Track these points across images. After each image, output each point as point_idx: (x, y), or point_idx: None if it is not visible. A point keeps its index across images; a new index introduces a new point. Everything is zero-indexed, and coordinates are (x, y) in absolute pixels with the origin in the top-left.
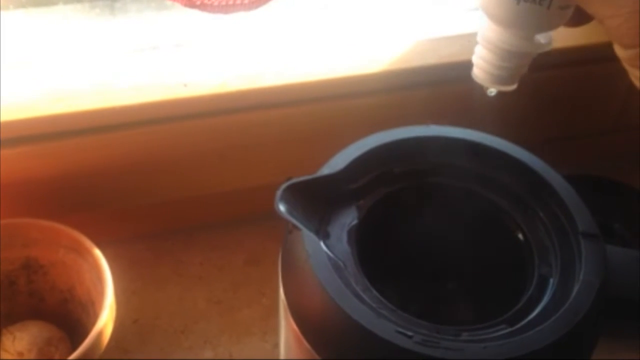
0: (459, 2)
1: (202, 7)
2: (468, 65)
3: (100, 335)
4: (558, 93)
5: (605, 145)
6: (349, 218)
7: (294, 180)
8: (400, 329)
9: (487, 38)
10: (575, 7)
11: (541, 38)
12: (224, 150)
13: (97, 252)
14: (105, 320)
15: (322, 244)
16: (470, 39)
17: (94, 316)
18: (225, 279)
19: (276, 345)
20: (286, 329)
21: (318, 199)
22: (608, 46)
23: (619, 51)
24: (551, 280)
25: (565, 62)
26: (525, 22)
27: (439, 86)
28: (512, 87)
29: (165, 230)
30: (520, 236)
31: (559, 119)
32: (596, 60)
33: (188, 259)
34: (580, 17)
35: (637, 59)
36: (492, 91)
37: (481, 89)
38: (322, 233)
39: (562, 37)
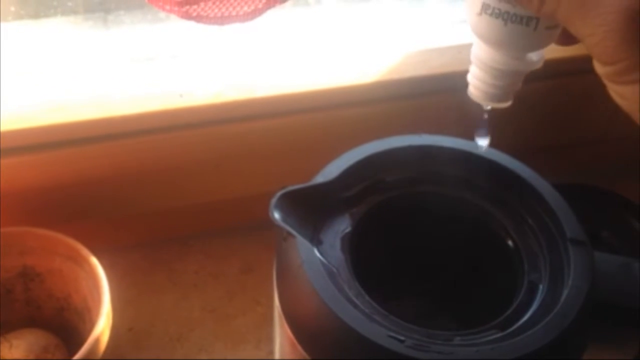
0: (448, 14)
1: (198, 18)
2: (458, 76)
3: (97, 342)
4: (547, 103)
5: (594, 155)
6: (342, 225)
7: (289, 188)
8: (393, 334)
9: (479, 57)
10: (564, 27)
11: (533, 56)
12: (219, 160)
13: (94, 260)
14: (102, 328)
15: (316, 250)
16: (460, 50)
17: (91, 324)
18: (220, 287)
19: (270, 353)
20: (281, 334)
21: (312, 207)
22: None
23: (598, 68)
24: (540, 286)
25: (554, 72)
26: (513, 42)
27: (430, 97)
28: (507, 104)
29: (161, 238)
30: (510, 243)
31: (549, 128)
32: (585, 71)
33: (183, 268)
34: (570, 36)
35: (615, 75)
36: (488, 108)
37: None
38: (316, 240)
39: (551, 48)
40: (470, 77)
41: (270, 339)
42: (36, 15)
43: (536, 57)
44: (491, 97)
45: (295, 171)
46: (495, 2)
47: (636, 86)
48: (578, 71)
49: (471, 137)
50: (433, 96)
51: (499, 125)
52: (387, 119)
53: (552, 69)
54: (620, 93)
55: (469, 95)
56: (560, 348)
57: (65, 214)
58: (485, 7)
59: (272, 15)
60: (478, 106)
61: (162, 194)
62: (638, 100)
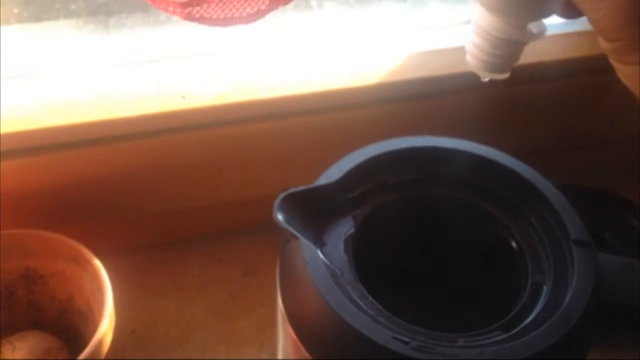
0: (450, 16)
1: (201, 20)
2: (460, 77)
3: (99, 344)
4: (551, 105)
5: (597, 157)
6: (345, 227)
7: (292, 190)
8: (397, 335)
9: (480, 25)
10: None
11: (533, 27)
12: (222, 162)
13: (97, 262)
14: (105, 330)
15: (319, 252)
16: (462, 52)
17: (93, 326)
18: (223, 290)
19: (273, 355)
20: (284, 336)
21: (315, 209)
22: (601, 59)
23: (602, 43)
24: (544, 288)
25: (558, 74)
26: (517, 9)
27: (432, 98)
28: (505, 76)
29: (164, 241)
30: (514, 244)
31: (552, 130)
32: (589, 73)
33: (186, 270)
34: (573, 9)
35: (620, 52)
36: (485, 80)
37: (474, 100)
38: (319, 242)
39: (556, 50)
40: (469, 46)
41: (273, 341)
42: (38, 18)
43: (536, 29)
44: (489, 66)
45: (298, 173)
46: None
47: (637, 67)
48: (582, 73)
49: (474, 139)
50: (435, 98)
51: (502, 127)
52: (390, 121)
53: (557, 70)
54: (625, 73)
55: (466, 65)
56: (564, 349)
57: (68, 216)
58: None
59: (274, 17)
60: (479, 107)
61: (164, 196)
62: (638, 80)
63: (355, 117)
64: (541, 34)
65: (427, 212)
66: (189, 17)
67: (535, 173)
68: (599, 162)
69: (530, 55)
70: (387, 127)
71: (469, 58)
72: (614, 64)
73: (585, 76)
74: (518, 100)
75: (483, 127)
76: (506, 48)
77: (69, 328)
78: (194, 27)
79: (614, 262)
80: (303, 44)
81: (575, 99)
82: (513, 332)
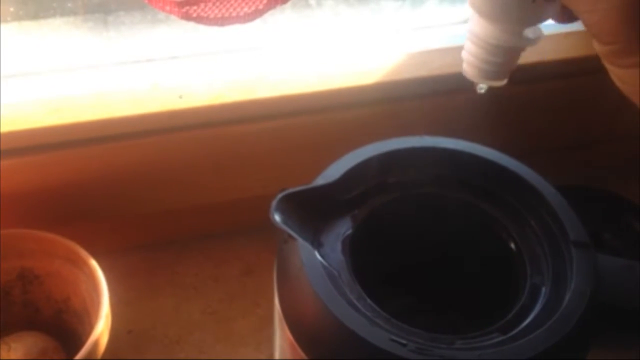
0: (449, 15)
1: (198, 19)
2: (459, 77)
3: (96, 344)
4: (550, 104)
5: (597, 157)
6: (343, 228)
7: (289, 190)
8: (395, 337)
9: (475, 33)
10: (563, 3)
11: (529, 33)
12: (219, 162)
13: (93, 263)
14: (101, 330)
15: (316, 253)
16: (460, 52)
17: (89, 326)
18: (220, 290)
19: (270, 356)
20: (281, 337)
21: (313, 209)
22: (600, 58)
23: (597, 47)
24: (543, 289)
25: (557, 74)
26: (512, 15)
27: (431, 98)
28: (502, 83)
29: (161, 240)
30: (513, 245)
31: (551, 129)
32: (587, 72)
33: (183, 270)
34: (569, 13)
35: (616, 55)
36: (482, 87)
37: (473, 100)
38: (317, 243)
39: (556, 50)
40: (464, 54)
41: (270, 342)
42: (35, 16)
43: (533, 34)
44: (485, 74)
45: (296, 173)
46: None
47: (635, 70)
48: (580, 73)
49: (472, 139)
50: (434, 97)
51: (501, 127)
52: (388, 121)
53: (556, 70)
54: (619, 76)
55: (463, 74)
56: (563, 351)
57: (64, 216)
58: None
59: (273, 16)
60: (478, 107)
61: (162, 196)
62: (633, 83)
63: (353, 117)
64: (538, 39)
65: (425, 213)
66: (186, 17)
67: (534, 174)
68: (599, 162)
69: (529, 55)
70: (386, 127)
71: (465, 66)
72: (609, 67)
73: (584, 76)
74: (517, 100)
75: (482, 127)
76: (503, 55)
77: (65, 328)
78: (191, 26)
79: (613, 263)
80: (301, 43)
81: (575, 99)
82: (511, 333)
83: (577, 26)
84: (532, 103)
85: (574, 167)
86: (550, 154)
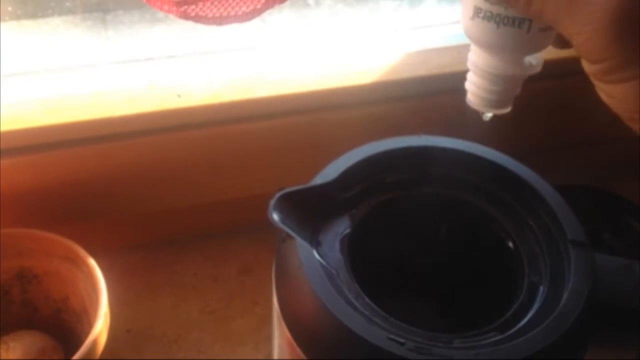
0: (447, 15)
1: (197, 18)
2: (458, 76)
3: (94, 344)
4: (549, 104)
5: (595, 156)
6: (341, 227)
7: (287, 189)
8: (392, 336)
9: (475, 63)
10: None
11: (530, 60)
12: (217, 161)
13: (92, 262)
14: (100, 329)
15: (315, 252)
16: (459, 51)
17: (88, 326)
18: (219, 289)
19: (269, 355)
20: (280, 336)
21: (311, 209)
22: None
23: (586, 66)
24: (541, 288)
25: (554, 73)
26: (507, 45)
27: (429, 97)
28: (507, 110)
29: (159, 240)
30: (511, 245)
31: (550, 129)
32: (584, 71)
33: (182, 269)
34: (566, 39)
35: (603, 73)
36: (488, 116)
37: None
38: (315, 242)
39: (554, 49)
40: (468, 85)
41: (268, 341)
42: (33, 15)
43: (534, 61)
44: (490, 103)
45: (294, 172)
46: (487, 5)
47: (623, 85)
48: (578, 72)
49: (470, 138)
50: (432, 97)
51: (499, 126)
52: (387, 120)
53: (552, 69)
54: (608, 92)
55: (467, 104)
56: (561, 350)
57: (63, 216)
58: (477, 11)
59: (271, 16)
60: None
61: (160, 195)
62: (625, 99)
63: (352, 117)
64: (538, 65)
65: (423, 212)
66: (184, 16)
67: (532, 173)
68: (597, 161)
69: None
70: (385, 127)
71: (469, 96)
72: (597, 84)
73: (583, 75)
74: (516, 99)
75: (480, 127)
76: (504, 83)
77: (63, 328)
78: (189, 25)
79: (611, 263)
80: (299, 42)
81: (573, 99)
82: (509, 333)
83: None
84: (530, 102)
85: (573, 167)
86: (549, 154)
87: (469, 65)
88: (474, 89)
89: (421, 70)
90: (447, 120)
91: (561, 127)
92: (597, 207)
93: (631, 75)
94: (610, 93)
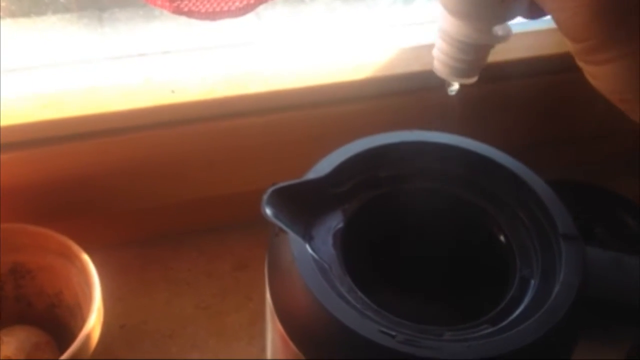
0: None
1: (190, 13)
2: None
3: (87, 338)
4: (541, 99)
5: (588, 151)
6: (334, 221)
7: (281, 184)
8: (384, 329)
9: (445, 31)
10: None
11: (499, 30)
12: (211, 156)
13: (85, 257)
14: (93, 324)
15: (307, 246)
16: None
17: (82, 321)
18: (213, 285)
19: (262, 349)
20: (272, 330)
21: (304, 203)
22: None
23: (569, 45)
24: (532, 281)
25: (548, 69)
26: (480, 13)
27: (423, 93)
28: (473, 80)
29: (154, 236)
30: (503, 238)
31: (542, 124)
32: (578, 68)
33: (176, 265)
34: (538, 9)
35: (589, 52)
36: (453, 89)
37: (465, 95)
38: (308, 236)
39: (549, 44)
40: (435, 52)
41: (262, 336)
42: (28, 12)
43: (502, 31)
44: (456, 72)
45: (289, 167)
46: None
47: (607, 66)
48: (571, 68)
49: (464, 133)
50: (426, 92)
51: (492, 121)
52: (380, 116)
53: (547, 65)
54: (592, 73)
55: (434, 71)
56: (552, 343)
57: (57, 211)
58: None
59: (266, 11)
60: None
61: (154, 191)
62: (610, 80)
63: (346, 112)
64: (507, 36)
65: (416, 206)
66: (177, 11)
67: (525, 167)
68: (590, 156)
69: (522, 50)
70: (378, 122)
71: (436, 64)
72: (581, 65)
73: (576, 70)
74: (510, 95)
75: (473, 122)
76: (473, 53)
77: (57, 323)
78: (184, 21)
79: (602, 256)
80: (294, 37)
81: (566, 93)
82: (500, 325)
83: None
84: (523, 98)
85: (566, 162)
86: (542, 148)
87: (438, 32)
88: (442, 56)
89: (415, 66)
90: (440, 116)
91: (554, 122)
92: (591, 203)
93: (615, 56)
94: (594, 74)
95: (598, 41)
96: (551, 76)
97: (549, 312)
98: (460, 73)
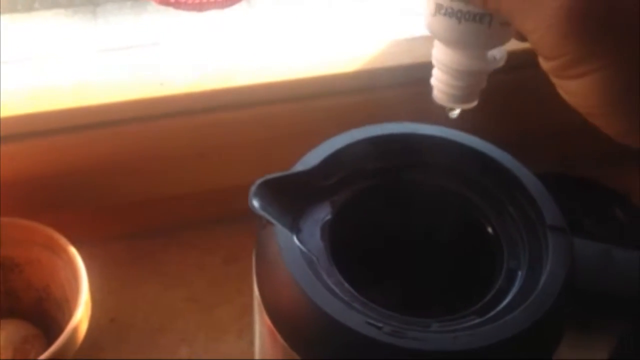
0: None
1: (176, 5)
2: None
3: (75, 331)
4: (530, 91)
5: (577, 143)
6: (322, 214)
7: (268, 176)
8: (371, 321)
9: (439, 59)
10: None
11: (493, 54)
12: (200, 149)
13: (72, 250)
14: (80, 317)
15: (295, 238)
16: None
17: (69, 314)
18: (203, 278)
19: (252, 342)
20: (260, 323)
21: (292, 196)
22: None
23: (543, 63)
24: (519, 273)
25: (535, 61)
26: (470, 41)
27: (414, 85)
28: (473, 105)
29: (143, 229)
30: (490, 230)
31: (533, 117)
32: None
33: (166, 258)
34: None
35: (559, 69)
36: (455, 113)
37: None
38: (296, 228)
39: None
40: (433, 81)
41: (252, 328)
42: (11, 9)
43: (498, 55)
44: (455, 99)
45: (278, 161)
46: (447, 1)
47: (579, 80)
48: None
49: (453, 126)
50: (417, 85)
51: (481, 113)
52: (371, 108)
53: (534, 57)
54: (565, 88)
55: (434, 100)
56: (538, 333)
57: (46, 205)
58: (438, 7)
59: (256, 3)
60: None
61: (144, 184)
62: (582, 95)
63: (336, 104)
64: (501, 59)
65: (404, 198)
66: (164, 2)
67: (513, 159)
68: (579, 149)
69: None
70: (368, 115)
71: (435, 93)
72: (555, 82)
73: None
74: (499, 88)
75: (463, 114)
76: (468, 79)
77: (46, 316)
78: (172, 13)
79: (589, 248)
80: (283, 29)
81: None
82: (488, 316)
83: None
84: (514, 90)
85: (555, 154)
86: (531, 141)
87: (434, 61)
88: (439, 85)
89: (407, 59)
90: (430, 108)
91: (543, 114)
92: (579, 194)
93: (586, 70)
94: (567, 89)
95: (569, 58)
96: (539, 68)
97: (535, 303)
98: (459, 99)
